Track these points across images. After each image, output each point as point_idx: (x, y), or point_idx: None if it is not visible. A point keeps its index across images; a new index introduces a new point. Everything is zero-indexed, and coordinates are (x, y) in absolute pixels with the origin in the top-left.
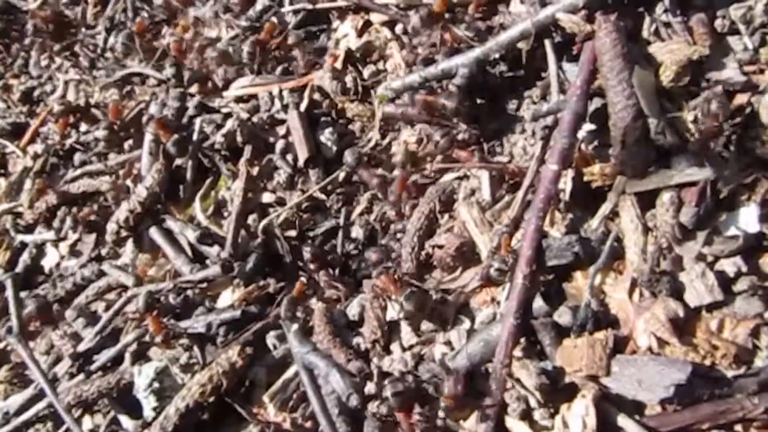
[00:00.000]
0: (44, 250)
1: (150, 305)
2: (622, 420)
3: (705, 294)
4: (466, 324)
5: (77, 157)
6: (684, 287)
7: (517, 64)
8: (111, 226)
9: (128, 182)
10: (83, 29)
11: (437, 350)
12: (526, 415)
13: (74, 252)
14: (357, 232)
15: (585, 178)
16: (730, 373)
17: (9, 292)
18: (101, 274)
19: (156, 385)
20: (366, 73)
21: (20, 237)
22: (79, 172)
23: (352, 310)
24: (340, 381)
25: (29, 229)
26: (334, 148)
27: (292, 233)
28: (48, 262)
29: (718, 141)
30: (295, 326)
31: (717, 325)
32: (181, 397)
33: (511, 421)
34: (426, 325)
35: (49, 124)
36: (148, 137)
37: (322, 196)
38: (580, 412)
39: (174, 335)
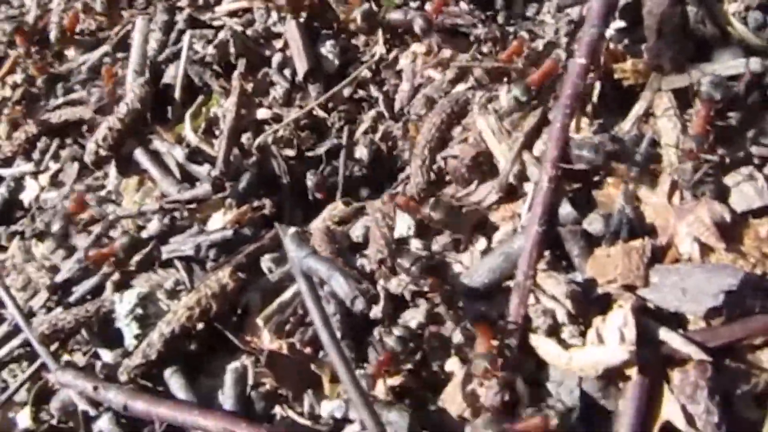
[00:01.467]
0: (23, 183)
1: None
2: (665, 333)
3: (754, 197)
4: (483, 243)
5: (59, 87)
6: (730, 191)
7: None
8: (90, 146)
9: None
10: None
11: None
12: (554, 332)
13: (55, 184)
14: (361, 152)
15: (616, 76)
16: None
17: None
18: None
19: (138, 311)
20: None
21: None
22: (61, 100)
23: (356, 232)
24: (344, 284)
25: (7, 162)
26: (336, 62)
27: (290, 153)
28: (27, 196)
29: (764, 34)
30: (292, 229)
31: None
32: (166, 322)
33: (537, 339)
34: (437, 245)
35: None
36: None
37: (323, 114)
38: (618, 322)
39: (159, 261)
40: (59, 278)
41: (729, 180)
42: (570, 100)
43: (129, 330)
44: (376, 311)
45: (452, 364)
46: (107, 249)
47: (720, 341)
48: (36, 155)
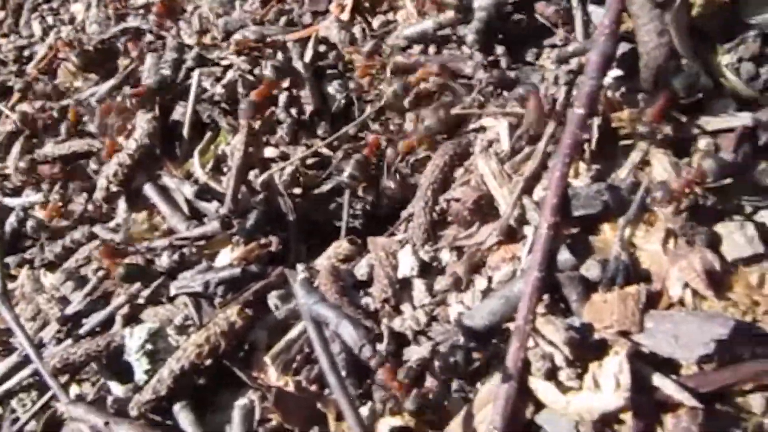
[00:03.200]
0: (32, 213)
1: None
2: (658, 379)
3: (745, 246)
4: (483, 283)
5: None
6: (721, 239)
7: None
8: (101, 182)
9: (122, 140)
10: None
11: (452, 310)
12: (552, 375)
13: (64, 215)
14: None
15: (613, 125)
16: None
17: None
18: (92, 236)
19: (149, 346)
20: (375, 23)
21: (7, 200)
22: (70, 132)
23: (361, 270)
24: (353, 332)
25: (16, 191)
26: (342, 101)
27: (297, 190)
28: (37, 226)
29: (756, 85)
30: (302, 275)
31: (758, 280)
32: (176, 359)
33: (536, 381)
34: (439, 285)
35: (39, 84)
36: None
37: (328, 152)
38: (613, 369)
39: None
40: (69, 310)
41: (721, 228)
42: (569, 149)
43: (139, 365)
44: (380, 349)
45: (454, 403)
46: (111, 259)
47: (711, 387)
48: (44, 185)
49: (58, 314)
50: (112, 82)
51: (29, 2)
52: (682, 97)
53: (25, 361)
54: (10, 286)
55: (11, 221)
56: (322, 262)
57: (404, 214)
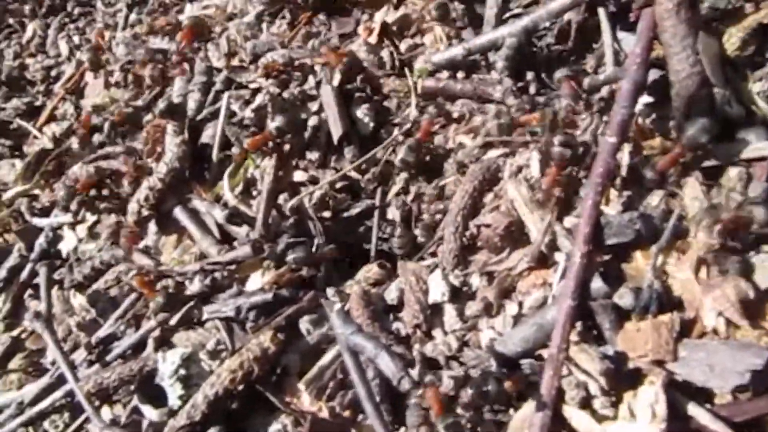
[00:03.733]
0: (61, 233)
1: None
2: (693, 409)
3: None
4: (513, 309)
5: (96, 138)
6: (754, 268)
7: (564, 36)
8: (132, 206)
9: (151, 162)
10: (102, 6)
11: (484, 336)
12: (586, 403)
13: (93, 235)
14: (393, 213)
15: (644, 153)
16: None
17: (42, 278)
18: (122, 257)
19: (182, 372)
20: (403, 47)
21: (36, 220)
22: (98, 152)
23: (391, 295)
24: (390, 363)
25: (45, 212)
26: (371, 125)
27: (326, 214)
28: (65, 246)
29: None
30: (338, 306)
31: None
32: (210, 385)
33: (570, 410)
34: (470, 310)
35: (66, 104)
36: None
37: (357, 176)
38: (649, 399)
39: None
40: (102, 333)
41: (754, 257)
42: (601, 177)
43: (173, 390)
44: (412, 375)
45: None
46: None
47: (746, 416)
48: (73, 206)
49: (88, 338)
50: (138, 103)
51: (56, 22)
52: (699, 146)
53: (58, 382)
54: (39, 307)
55: (41, 242)
56: (353, 286)
57: (435, 238)
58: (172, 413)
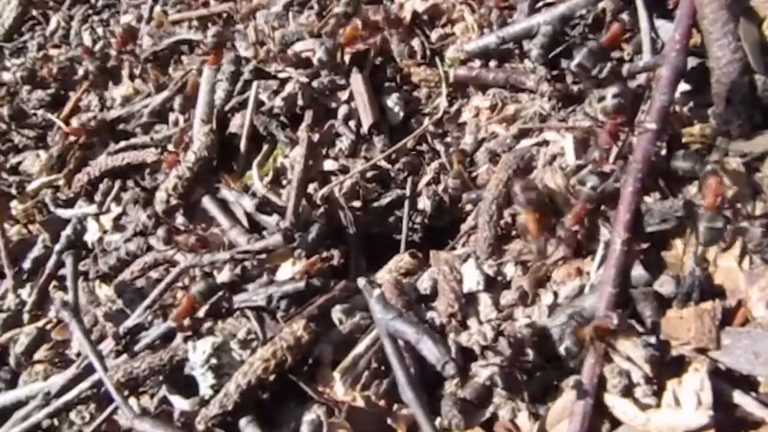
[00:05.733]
0: (85, 224)
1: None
2: (739, 397)
3: None
4: (549, 298)
5: (121, 128)
6: None
7: (599, 24)
8: (160, 195)
9: (179, 152)
10: None
11: (519, 325)
12: (629, 392)
13: (118, 226)
14: (424, 203)
15: (683, 140)
16: None
17: (68, 268)
18: (148, 248)
19: (213, 361)
20: (433, 36)
21: (60, 211)
22: (123, 143)
23: (424, 284)
24: (434, 348)
25: (69, 203)
26: (401, 114)
27: (356, 203)
28: (90, 237)
29: None
30: (378, 291)
31: None
32: (243, 374)
33: (612, 398)
34: (505, 299)
35: (90, 96)
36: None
37: (387, 165)
38: (694, 387)
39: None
40: (129, 323)
41: None
42: (641, 164)
43: (204, 379)
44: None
45: (523, 418)
46: (187, 301)
47: None
48: (98, 197)
49: (116, 328)
50: (165, 93)
51: (80, 14)
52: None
53: (85, 373)
54: (66, 297)
55: (68, 233)
56: (384, 275)
57: (464, 227)
58: (204, 402)
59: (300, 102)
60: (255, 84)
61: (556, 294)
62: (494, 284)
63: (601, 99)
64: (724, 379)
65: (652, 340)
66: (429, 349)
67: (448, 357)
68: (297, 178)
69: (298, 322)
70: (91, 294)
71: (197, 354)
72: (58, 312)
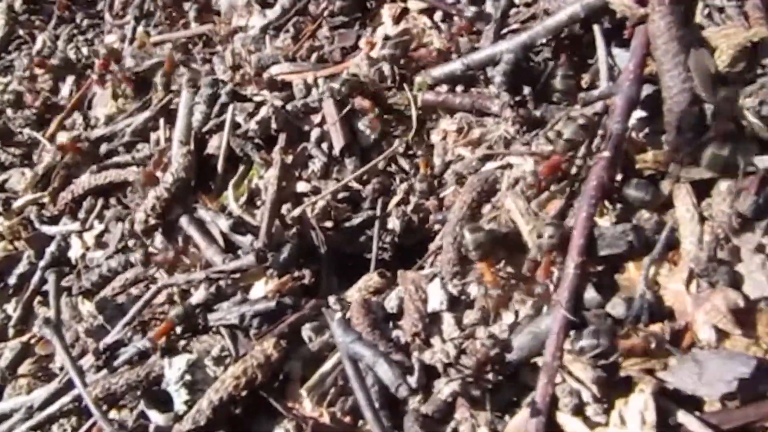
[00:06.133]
0: (69, 241)
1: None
2: (683, 416)
3: (766, 285)
4: (510, 318)
5: (104, 147)
6: (743, 279)
7: (560, 52)
8: (139, 216)
9: (158, 172)
10: (111, 18)
11: (481, 342)
12: (579, 410)
13: (100, 243)
14: (394, 222)
15: (637, 166)
16: None
17: (51, 285)
18: (129, 265)
19: (187, 377)
20: (404, 60)
21: (45, 228)
22: (105, 162)
23: (391, 303)
24: (389, 371)
25: (54, 220)
26: (371, 137)
27: (328, 224)
28: (74, 254)
29: None
30: (339, 314)
31: None
32: (215, 390)
33: (563, 417)
34: (468, 318)
35: (75, 115)
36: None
37: (358, 186)
38: (639, 407)
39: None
40: (109, 339)
41: (742, 268)
42: (595, 191)
43: (178, 395)
44: (411, 382)
45: None
46: (165, 324)
47: (734, 424)
48: (81, 214)
49: (96, 344)
50: (146, 113)
51: (65, 34)
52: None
53: (66, 387)
54: (49, 313)
55: (52, 249)
56: (353, 294)
57: (432, 247)
58: (178, 418)
59: (274, 125)
60: (231, 106)
61: (516, 313)
62: (458, 303)
63: (558, 134)
64: (671, 399)
65: (602, 361)
66: (384, 372)
67: (401, 380)
68: (270, 199)
69: (268, 341)
70: (73, 309)
71: (173, 370)
72: (40, 328)
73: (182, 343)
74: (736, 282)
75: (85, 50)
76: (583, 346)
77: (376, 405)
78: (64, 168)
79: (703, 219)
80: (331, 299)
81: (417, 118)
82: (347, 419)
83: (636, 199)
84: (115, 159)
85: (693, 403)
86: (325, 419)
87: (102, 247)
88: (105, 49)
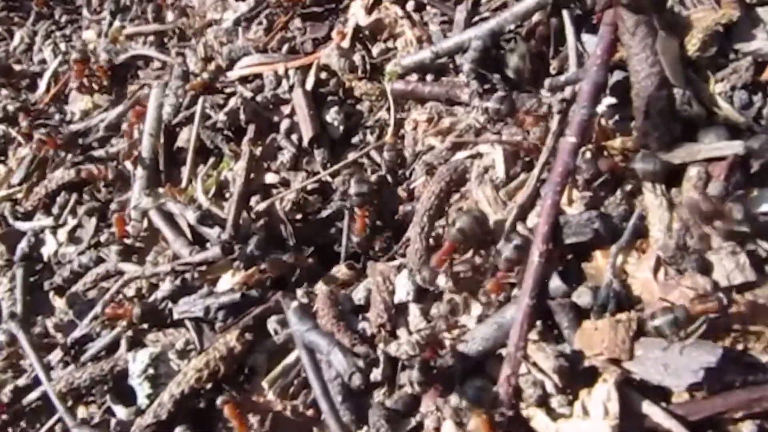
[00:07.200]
0: (42, 237)
1: None
2: (647, 407)
3: (736, 273)
4: (478, 309)
5: (80, 142)
6: (712, 266)
7: (530, 38)
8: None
9: (128, 165)
10: (88, 14)
11: (448, 335)
12: (543, 402)
13: (73, 239)
14: None
15: (605, 153)
16: (764, 359)
17: (18, 280)
18: (99, 260)
19: (150, 371)
20: (375, 51)
21: (18, 224)
22: (80, 157)
23: (358, 295)
24: (342, 360)
25: (28, 216)
26: (341, 128)
27: (297, 216)
28: (47, 250)
29: (749, 113)
30: (295, 303)
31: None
32: (176, 383)
33: (528, 409)
34: (435, 310)
35: (50, 110)
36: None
37: (329, 178)
38: (602, 397)
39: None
40: (77, 334)
41: (712, 255)
42: (561, 177)
43: (141, 389)
44: (376, 374)
45: (448, 427)
46: (122, 310)
47: (701, 415)
48: (55, 210)
49: (65, 339)
50: (120, 108)
51: (43, 29)
52: None
53: (34, 384)
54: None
55: (23, 246)
56: (321, 286)
57: (403, 239)
58: (140, 412)
59: (243, 117)
60: (201, 99)
61: (486, 304)
62: (425, 295)
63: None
64: (637, 390)
65: (567, 350)
66: (339, 361)
67: (354, 368)
68: (237, 191)
69: (231, 333)
70: (45, 305)
71: (136, 364)
72: (6, 323)
73: (149, 336)
74: (705, 269)
75: (63, 46)
76: None
77: (336, 396)
78: (40, 163)
79: (672, 206)
80: (300, 292)
81: (388, 109)
82: (309, 412)
83: (644, 171)
84: (89, 153)
85: (660, 394)
86: (288, 412)
87: (75, 243)
88: (79, 54)
